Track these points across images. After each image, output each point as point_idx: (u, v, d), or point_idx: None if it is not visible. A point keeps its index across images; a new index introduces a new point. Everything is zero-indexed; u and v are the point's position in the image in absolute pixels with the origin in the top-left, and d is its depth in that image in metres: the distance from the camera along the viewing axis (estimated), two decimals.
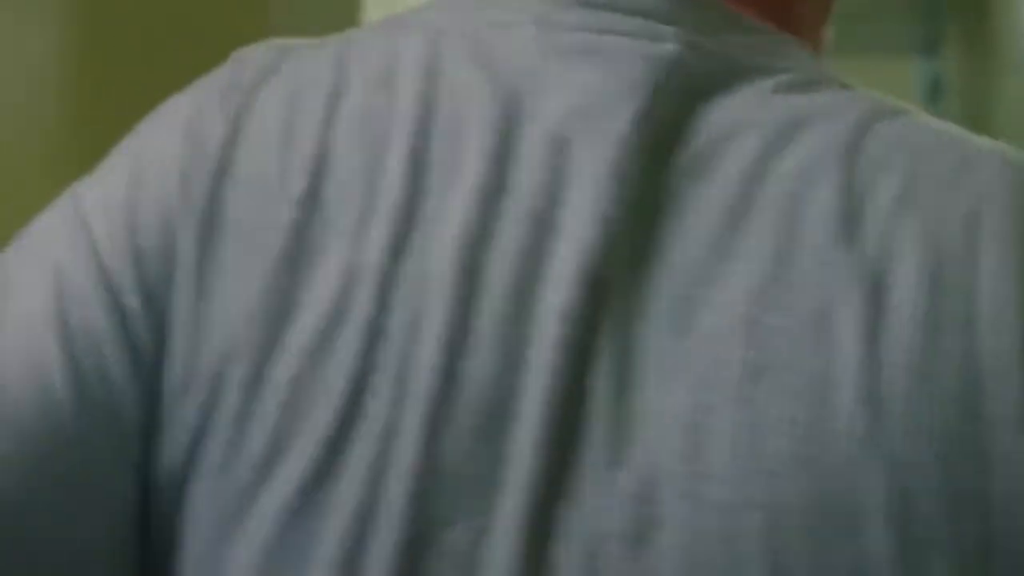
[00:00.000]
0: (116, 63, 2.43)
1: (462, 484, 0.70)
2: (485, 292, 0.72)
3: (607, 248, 0.72)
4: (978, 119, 6.55)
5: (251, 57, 0.82)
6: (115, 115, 2.45)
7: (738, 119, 0.76)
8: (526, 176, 0.74)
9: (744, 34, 0.80)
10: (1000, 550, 0.68)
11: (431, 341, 0.71)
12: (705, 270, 0.72)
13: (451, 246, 0.73)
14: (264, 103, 0.78)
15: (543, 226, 0.74)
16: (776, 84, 0.77)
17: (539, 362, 0.71)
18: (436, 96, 0.77)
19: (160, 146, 0.79)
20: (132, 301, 0.74)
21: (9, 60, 2.14)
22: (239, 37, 2.67)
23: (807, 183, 0.73)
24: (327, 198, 0.74)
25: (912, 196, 0.72)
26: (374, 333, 0.71)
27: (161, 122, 0.81)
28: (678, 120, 0.76)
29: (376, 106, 0.77)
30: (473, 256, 0.73)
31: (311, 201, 0.74)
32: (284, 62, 0.80)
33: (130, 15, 2.45)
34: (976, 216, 0.72)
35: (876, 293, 0.69)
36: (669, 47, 0.77)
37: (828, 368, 0.68)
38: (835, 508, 0.67)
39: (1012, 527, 0.68)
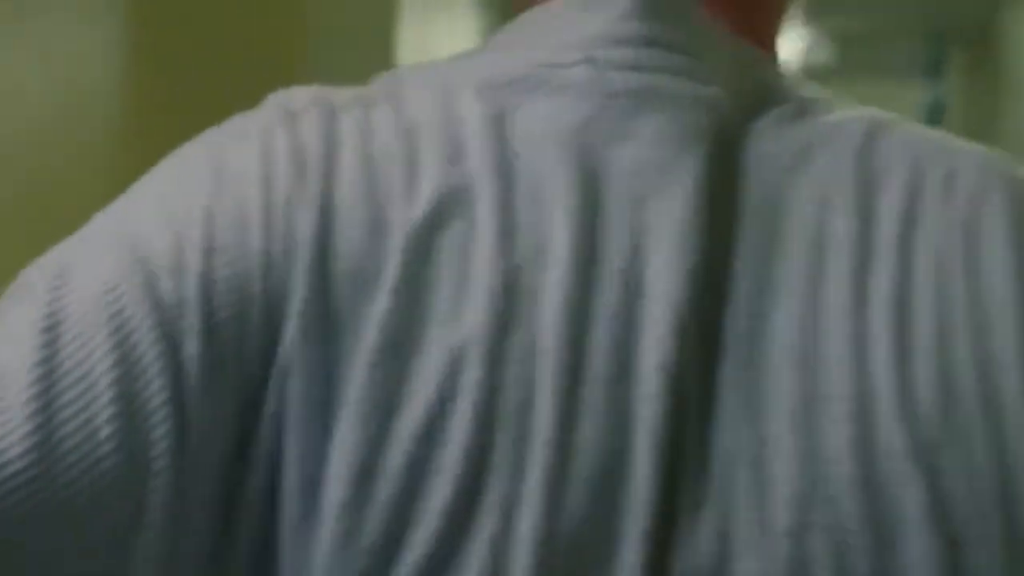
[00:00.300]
0: (166, 66, 2.48)
1: (583, 547, 0.72)
2: (588, 359, 0.74)
3: (691, 300, 0.74)
4: (981, 140, 6.59)
5: (306, 119, 0.80)
6: (165, 116, 2.52)
7: (764, 152, 0.78)
8: (612, 239, 0.76)
9: (748, 64, 0.83)
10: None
11: (544, 416, 0.72)
12: (756, 304, 0.75)
13: (553, 319, 0.74)
14: (343, 181, 0.77)
15: (632, 287, 0.75)
16: (786, 113, 0.80)
17: (645, 420, 0.73)
18: (510, 163, 0.77)
19: (238, 236, 0.76)
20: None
21: (62, 61, 2.20)
22: (277, 50, 2.73)
23: (825, 209, 0.77)
24: (420, 282, 0.74)
25: (916, 212, 0.77)
26: (487, 413, 0.72)
27: (228, 198, 0.77)
28: (730, 162, 0.78)
29: (454, 184, 0.76)
30: (574, 326, 0.74)
31: (405, 287, 0.74)
32: (343, 126, 0.79)
33: (178, 21, 2.51)
34: (974, 222, 0.77)
35: (899, 313, 0.74)
36: (715, 89, 0.79)
37: (869, 390, 0.73)
38: (886, 521, 0.72)
39: None
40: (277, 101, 0.83)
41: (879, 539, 0.72)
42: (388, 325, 0.73)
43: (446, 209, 0.76)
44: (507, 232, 0.75)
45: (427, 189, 0.76)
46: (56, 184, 2.15)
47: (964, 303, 0.75)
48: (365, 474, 0.72)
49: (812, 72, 8.21)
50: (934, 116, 7.94)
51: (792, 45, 7.59)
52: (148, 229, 0.75)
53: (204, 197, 0.76)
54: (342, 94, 0.82)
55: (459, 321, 0.74)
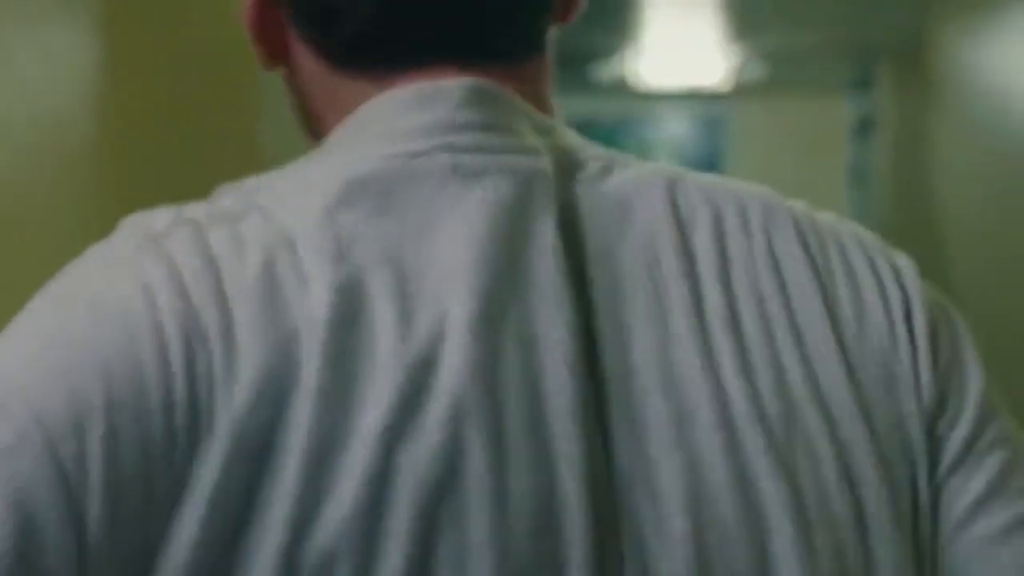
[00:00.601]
0: (144, 82, 2.52)
1: None
2: (505, 412, 0.80)
3: (575, 347, 0.83)
4: (910, 154, 6.71)
5: (175, 239, 0.82)
6: (145, 130, 2.56)
7: (590, 209, 0.88)
8: (500, 300, 0.83)
9: (549, 131, 0.91)
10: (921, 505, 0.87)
11: (477, 472, 0.78)
12: (618, 343, 0.85)
13: (461, 383, 0.79)
14: (232, 294, 0.80)
15: (527, 340, 0.82)
16: (595, 172, 0.90)
17: (567, 457, 0.80)
18: (395, 250, 0.82)
19: (135, 388, 0.77)
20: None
21: (47, 70, 2.24)
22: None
23: (654, 252, 0.87)
24: (338, 382, 0.79)
25: (725, 246, 0.88)
26: (425, 485, 0.77)
27: (117, 343, 0.78)
28: (569, 223, 0.87)
29: (345, 281, 0.80)
30: (484, 384, 0.80)
31: (326, 388, 0.78)
32: (213, 240, 0.82)
33: (154, 42, 2.55)
34: (773, 250, 0.90)
35: (735, 333, 0.86)
36: (544, 160, 0.87)
37: (726, 401, 0.84)
38: (759, 514, 0.83)
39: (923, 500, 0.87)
40: (135, 225, 0.84)
41: (753, 531, 0.82)
42: (313, 430, 0.76)
43: (345, 305, 0.79)
44: (404, 315, 0.80)
45: (319, 290, 0.79)
46: (28, 211, 2.18)
47: (782, 318, 0.87)
48: (308, 534, 0.76)
49: (744, 89, 8.32)
50: (863, 130, 8.07)
51: (725, 64, 7.69)
52: (39, 385, 0.75)
53: (91, 345, 0.76)
54: (198, 210, 0.84)
55: (373, 407, 0.78)
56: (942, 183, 5.88)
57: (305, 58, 0.93)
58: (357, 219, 0.82)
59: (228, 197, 0.86)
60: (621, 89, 8.67)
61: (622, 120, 9.76)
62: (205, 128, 2.65)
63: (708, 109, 9.24)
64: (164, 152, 2.68)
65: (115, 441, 0.74)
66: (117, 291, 0.79)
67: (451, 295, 0.81)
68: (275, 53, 0.94)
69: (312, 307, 0.79)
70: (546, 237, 0.84)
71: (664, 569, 0.81)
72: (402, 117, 0.87)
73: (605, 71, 7.82)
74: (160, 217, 0.84)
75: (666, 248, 0.87)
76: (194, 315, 0.78)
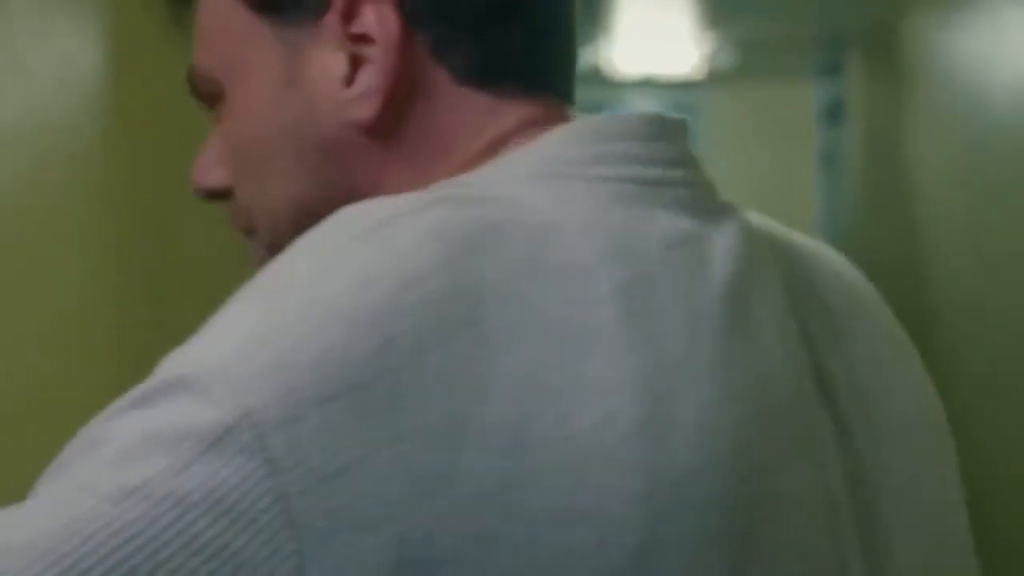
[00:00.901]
0: (153, 84, 2.54)
1: None
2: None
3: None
4: (882, 141, 6.75)
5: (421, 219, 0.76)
6: (151, 136, 2.58)
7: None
8: (742, 347, 0.80)
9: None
10: None
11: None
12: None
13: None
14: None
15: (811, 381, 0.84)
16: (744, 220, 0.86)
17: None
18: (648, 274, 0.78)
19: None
20: None
21: (55, 78, 2.27)
22: None
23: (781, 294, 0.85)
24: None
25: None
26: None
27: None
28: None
29: (631, 277, 0.76)
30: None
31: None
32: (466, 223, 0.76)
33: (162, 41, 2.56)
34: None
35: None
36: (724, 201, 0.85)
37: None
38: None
39: None
40: (354, 217, 0.77)
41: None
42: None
43: (631, 302, 0.75)
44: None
45: (606, 288, 0.75)
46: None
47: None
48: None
49: (716, 76, 8.36)
50: (832, 116, 8.12)
51: (697, 52, 7.73)
52: (250, 378, 0.71)
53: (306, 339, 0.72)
54: (424, 197, 0.78)
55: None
56: (915, 169, 5.92)
57: (431, 85, 0.85)
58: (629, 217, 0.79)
59: (453, 187, 0.80)
60: (594, 77, 8.71)
61: (595, 107, 9.81)
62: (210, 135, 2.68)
63: (680, 96, 9.30)
64: (170, 158, 2.70)
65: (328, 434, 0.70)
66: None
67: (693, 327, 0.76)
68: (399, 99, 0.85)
69: (601, 307, 0.74)
70: (774, 279, 0.83)
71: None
72: (643, 145, 0.82)
73: (579, 59, 7.84)
74: (379, 206, 0.78)
75: (774, 287, 0.84)
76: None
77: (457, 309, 0.73)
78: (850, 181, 7.68)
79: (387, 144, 0.85)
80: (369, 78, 0.83)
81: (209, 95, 0.90)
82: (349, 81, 0.84)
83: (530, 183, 0.79)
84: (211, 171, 0.91)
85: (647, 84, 8.88)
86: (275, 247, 0.89)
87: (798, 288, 0.87)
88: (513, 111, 0.85)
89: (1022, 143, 4.09)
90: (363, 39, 0.84)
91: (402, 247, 0.74)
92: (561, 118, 0.86)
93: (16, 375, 2.19)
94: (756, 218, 0.90)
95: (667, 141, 0.83)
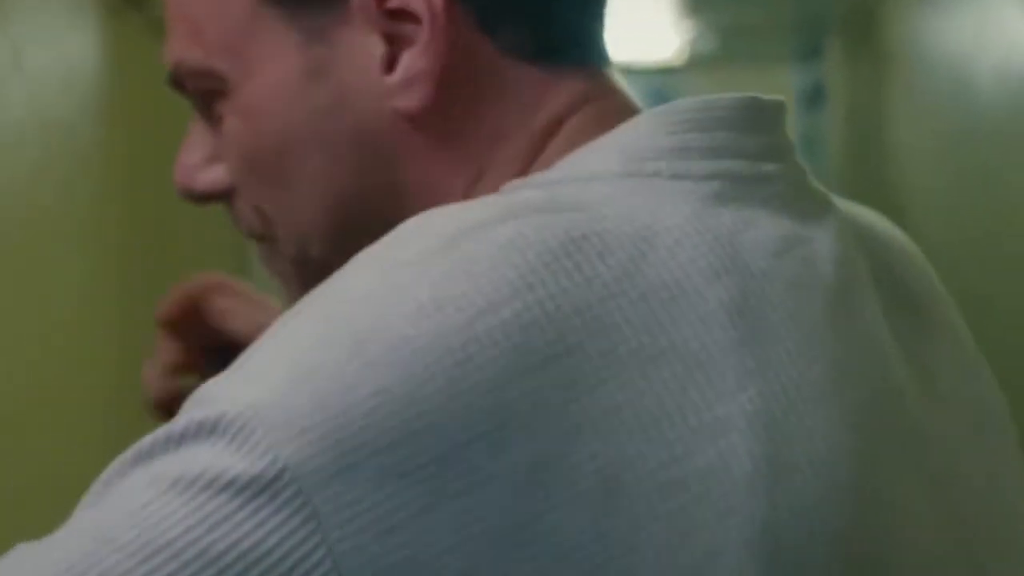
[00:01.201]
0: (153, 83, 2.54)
1: None
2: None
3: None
4: (863, 125, 6.78)
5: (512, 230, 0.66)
6: (152, 137, 2.59)
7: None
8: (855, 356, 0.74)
9: None
10: None
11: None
12: None
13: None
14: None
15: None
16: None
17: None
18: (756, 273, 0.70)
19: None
20: None
21: (57, 79, 2.24)
22: None
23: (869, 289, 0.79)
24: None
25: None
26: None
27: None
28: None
29: (740, 291, 0.68)
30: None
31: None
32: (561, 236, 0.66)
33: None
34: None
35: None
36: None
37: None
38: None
39: None
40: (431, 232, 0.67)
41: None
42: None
43: (743, 314, 0.67)
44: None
45: (717, 298, 0.67)
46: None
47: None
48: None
49: (698, 61, 8.39)
50: (812, 100, 8.15)
51: (678, 37, 7.75)
52: (294, 421, 0.62)
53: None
54: (498, 207, 0.69)
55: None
56: (896, 154, 5.95)
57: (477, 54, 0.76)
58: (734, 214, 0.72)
59: (525, 189, 0.72)
60: None
61: None
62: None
63: (661, 82, 9.30)
64: (170, 158, 2.69)
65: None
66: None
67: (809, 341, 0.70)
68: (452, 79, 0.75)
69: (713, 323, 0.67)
70: (866, 277, 0.78)
71: None
72: (739, 136, 0.75)
73: None
74: (448, 217, 0.69)
75: (869, 286, 0.79)
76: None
77: (541, 337, 0.62)
78: (830, 165, 7.71)
79: (435, 133, 0.75)
80: (414, 61, 0.74)
81: (206, 91, 0.81)
82: (390, 65, 0.75)
83: (618, 183, 0.70)
84: (201, 172, 0.83)
85: (628, 70, 8.89)
86: (303, 258, 0.80)
87: (884, 281, 0.79)
88: (565, 85, 0.77)
89: (1004, 126, 4.11)
90: (402, 15, 0.74)
91: (478, 266, 0.63)
92: (611, 89, 0.78)
93: (16, 375, 2.19)
94: (840, 204, 0.82)
95: (764, 130, 0.76)
